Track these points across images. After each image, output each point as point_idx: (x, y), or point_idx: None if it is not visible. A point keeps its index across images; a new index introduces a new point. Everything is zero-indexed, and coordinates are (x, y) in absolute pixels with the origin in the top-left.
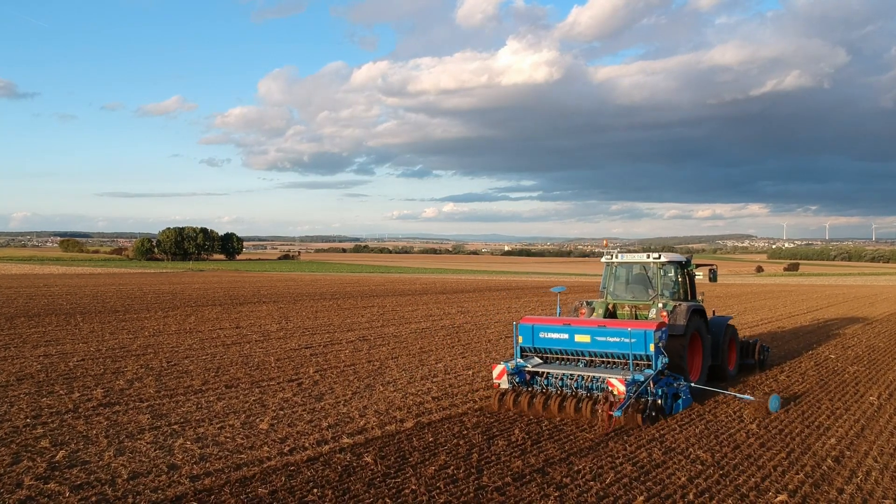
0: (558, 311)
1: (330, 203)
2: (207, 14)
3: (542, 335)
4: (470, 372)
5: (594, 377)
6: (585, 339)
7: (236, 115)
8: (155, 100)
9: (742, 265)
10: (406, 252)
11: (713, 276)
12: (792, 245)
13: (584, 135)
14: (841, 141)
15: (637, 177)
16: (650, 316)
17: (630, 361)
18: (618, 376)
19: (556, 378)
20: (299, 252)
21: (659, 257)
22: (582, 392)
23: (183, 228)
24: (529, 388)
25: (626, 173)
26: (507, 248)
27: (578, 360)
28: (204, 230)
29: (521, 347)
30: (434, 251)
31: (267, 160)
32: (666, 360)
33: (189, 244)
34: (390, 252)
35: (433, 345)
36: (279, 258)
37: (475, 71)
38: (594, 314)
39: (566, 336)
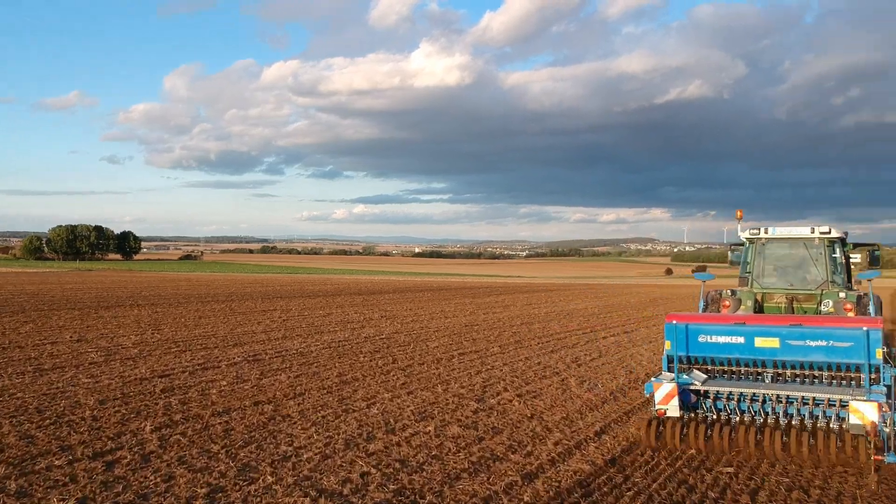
0: (701, 307)
1: (237, 203)
2: (111, 7)
3: (701, 339)
4: (438, 438)
5: (805, 399)
6: (772, 343)
7: (140, 112)
8: (53, 94)
9: (651, 267)
10: (315, 253)
11: (875, 259)
12: (693, 248)
13: (494, 139)
14: (739, 150)
15: (545, 181)
16: (822, 310)
17: (866, 375)
18: (864, 398)
19: (740, 400)
20: (202, 252)
21: (829, 231)
22: (777, 419)
23: (76, 226)
24: (692, 415)
25: (535, 177)
26: (417, 250)
27: (759, 374)
28: (98, 228)
29: (667, 356)
30: (345, 252)
31: (171, 158)
32: (895, 371)
33: (81, 243)
34: (299, 253)
35: (357, 369)
36: (180, 258)
37: (388, 72)
38: (741, 309)
39: (741, 340)
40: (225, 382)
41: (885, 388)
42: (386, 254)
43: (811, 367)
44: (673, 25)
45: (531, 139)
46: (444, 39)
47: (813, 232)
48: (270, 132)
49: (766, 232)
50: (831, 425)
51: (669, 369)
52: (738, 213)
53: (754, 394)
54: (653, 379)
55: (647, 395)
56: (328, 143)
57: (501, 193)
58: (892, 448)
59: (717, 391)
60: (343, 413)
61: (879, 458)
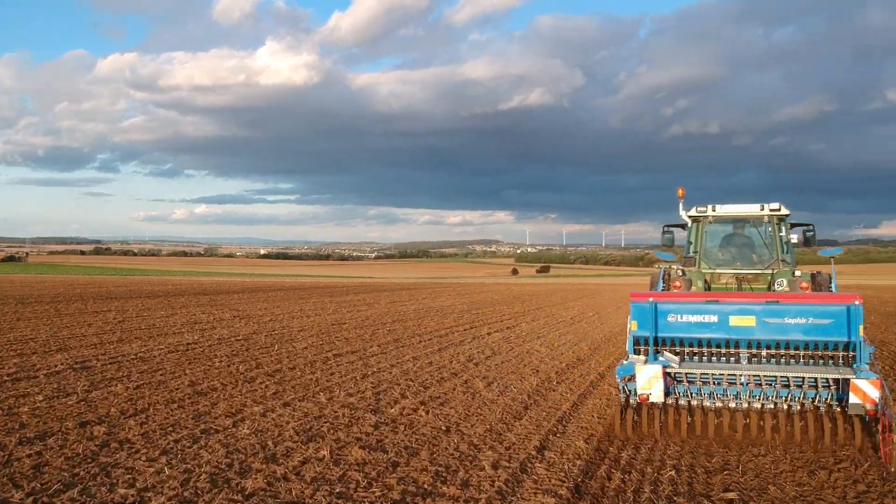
0: (660, 287)
1: (67, 202)
2: None
3: (671, 319)
4: (337, 466)
5: (787, 379)
6: (748, 321)
7: None
8: None
9: (498, 267)
10: (154, 255)
11: (809, 239)
12: (535, 249)
13: (342, 139)
14: (577, 156)
15: (394, 183)
16: (777, 290)
17: (859, 353)
18: (866, 378)
19: (720, 383)
20: (27, 254)
21: (779, 208)
22: (755, 404)
23: None
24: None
25: (384, 179)
26: (263, 252)
27: (733, 355)
28: None
29: (634, 338)
30: (185, 254)
31: None
32: (872, 349)
33: None
34: (136, 255)
35: (214, 377)
36: (2, 260)
37: (232, 69)
38: (693, 290)
39: (714, 318)
40: (41, 397)
41: (867, 367)
42: (230, 255)
43: (787, 346)
44: (516, 34)
45: (379, 140)
46: (291, 38)
47: (762, 209)
48: (105, 127)
49: (713, 210)
50: (818, 405)
51: (637, 352)
52: (680, 192)
53: (736, 375)
54: (624, 361)
55: (621, 379)
56: (168, 140)
57: (350, 194)
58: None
59: (703, 373)
60: (202, 435)
61: (892, 436)
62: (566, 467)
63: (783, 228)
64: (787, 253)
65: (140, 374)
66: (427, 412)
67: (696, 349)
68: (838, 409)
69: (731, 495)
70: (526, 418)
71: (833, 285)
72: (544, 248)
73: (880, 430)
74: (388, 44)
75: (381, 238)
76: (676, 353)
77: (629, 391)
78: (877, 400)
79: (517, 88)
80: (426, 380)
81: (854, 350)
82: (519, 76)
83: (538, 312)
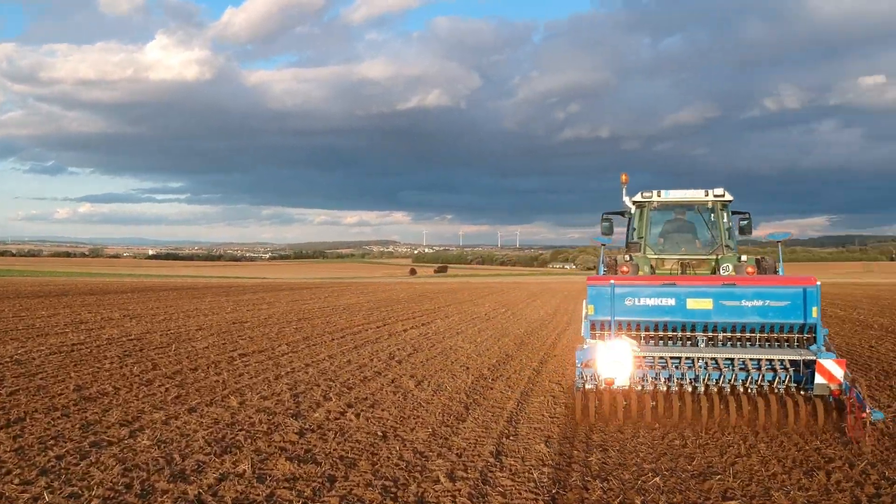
0: (601, 272)
1: None
2: None
3: (629, 302)
4: (264, 484)
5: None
6: (705, 304)
7: None
8: None
9: (396, 268)
10: (34, 255)
11: (745, 227)
12: (432, 250)
13: (235, 137)
14: (473, 157)
15: (288, 182)
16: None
17: (819, 334)
18: (830, 358)
19: (680, 367)
20: None
21: (723, 194)
22: (718, 385)
23: None
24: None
25: (278, 178)
26: (151, 252)
27: (690, 338)
28: None
29: (591, 322)
30: (68, 254)
31: None
32: (826, 332)
33: None
34: (14, 255)
35: (105, 380)
36: None
37: (119, 63)
38: (640, 275)
39: (672, 302)
40: None
41: (824, 348)
42: (116, 256)
43: (744, 329)
44: (413, 35)
45: (274, 139)
46: (182, 32)
47: (707, 195)
48: None
49: (658, 195)
50: (778, 387)
51: (594, 336)
52: (623, 177)
53: (697, 359)
54: (584, 345)
55: (581, 363)
56: (49, 135)
57: (243, 194)
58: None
59: (662, 357)
60: (92, 449)
61: (863, 415)
62: (534, 476)
63: (726, 214)
64: (730, 238)
65: (15, 378)
66: (357, 416)
67: (652, 333)
68: (796, 391)
69: None
70: (470, 420)
71: (780, 270)
72: (441, 248)
73: (848, 409)
74: (284, 41)
75: (275, 238)
76: (633, 338)
77: (587, 377)
78: (841, 380)
79: (414, 89)
80: (348, 380)
81: (811, 332)
82: (416, 77)
83: (449, 309)
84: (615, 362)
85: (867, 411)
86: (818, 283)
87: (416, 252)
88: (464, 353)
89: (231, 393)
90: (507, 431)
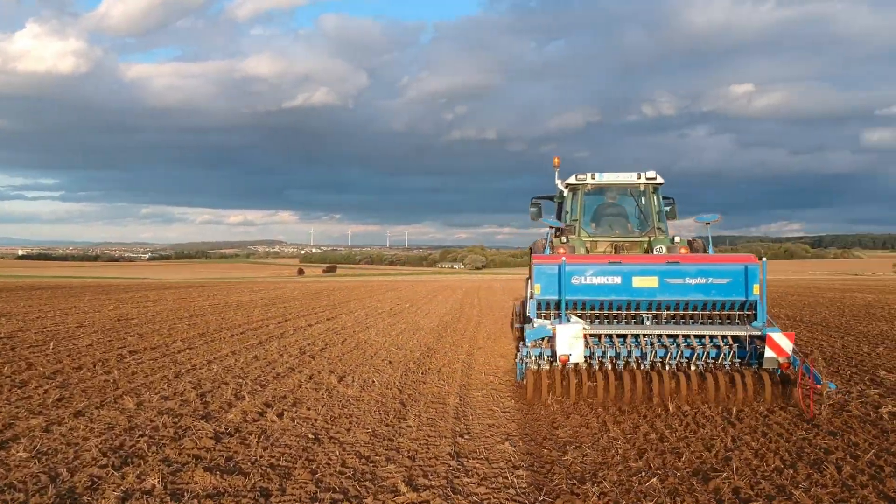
0: (547, 253)
1: None
2: None
3: (575, 281)
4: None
5: (697, 339)
6: (650, 282)
7: None
8: None
9: (282, 268)
10: None
11: (668, 213)
12: (319, 250)
13: (113, 133)
14: (362, 156)
15: (169, 180)
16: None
17: (762, 309)
18: (776, 332)
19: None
20: None
21: (655, 177)
22: (664, 361)
23: None
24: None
25: (159, 177)
26: (21, 252)
27: (635, 316)
28: None
29: (538, 301)
30: None
31: None
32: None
33: None
34: None
35: None
36: None
37: None
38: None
39: (618, 280)
40: None
41: (765, 324)
42: None
43: (686, 306)
44: (301, 32)
45: (155, 136)
46: (56, 21)
47: (640, 177)
48: None
49: (592, 178)
50: (723, 363)
51: (541, 316)
52: (556, 160)
53: (644, 336)
54: (535, 324)
55: (532, 342)
56: None
57: (121, 192)
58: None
59: (613, 335)
60: None
61: (818, 387)
62: (511, 481)
63: (657, 197)
64: (661, 221)
65: None
66: (279, 416)
67: (597, 312)
68: (740, 367)
69: None
70: (413, 418)
71: (710, 251)
72: (329, 248)
73: (799, 382)
74: (165, 34)
75: (155, 238)
76: (580, 317)
77: (535, 356)
78: (790, 353)
79: (302, 87)
80: (259, 376)
81: (752, 309)
82: (303, 74)
83: (350, 305)
84: (570, 339)
85: (822, 383)
86: (757, 261)
87: (303, 252)
88: (381, 347)
89: (125, 393)
90: (458, 429)
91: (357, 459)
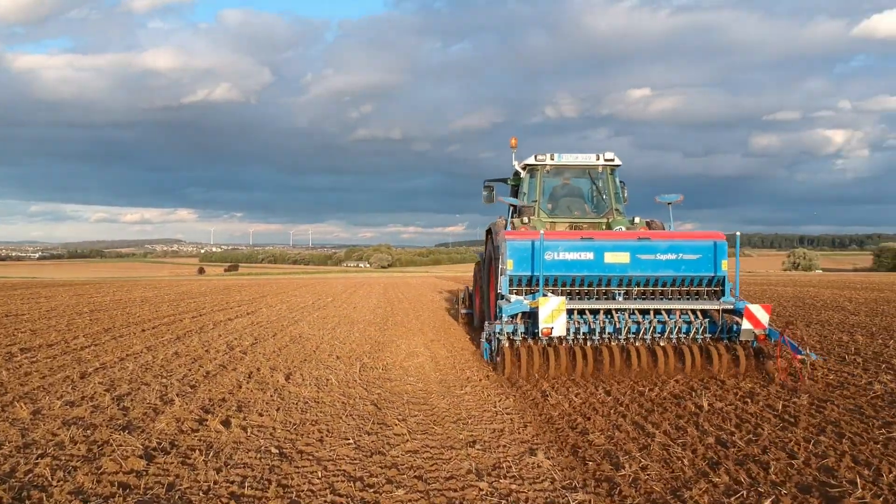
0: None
1: None
2: None
3: (548, 257)
4: None
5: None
6: (622, 258)
7: None
8: None
9: (182, 267)
10: None
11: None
12: (220, 249)
13: (0, 126)
14: (264, 154)
15: (61, 177)
16: None
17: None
18: (753, 305)
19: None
20: None
21: (613, 159)
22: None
23: None
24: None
25: (49, 173)
26: None
27: (606, 293)
28: None
29: (510, 277)
30: None
31: None
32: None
33: None
34: None
35: None
36: None
37: None
38: None
39: (590, 256)
40: None
41: (737, 299)
42: None
43: (656, 282)
44: (201, 26)
45: (45, 130)
46: None
47: (598, 159)
48: None
49: (551, 159)
50: (696, 337)
51: (514, 292)
52: (513, 141)
53: (615, 312)
54: (512, 299)
55: (508, 318)
56: None
57: (8, 188)
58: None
59: (587, 310)
60: None
61: (798, 357)
62: (541, 487)
63: (615, 178)
64: (619, 202)
65: None
66: (225, 424)
67: (569, 288)
68: (711, 341)
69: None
70: (396, 423)
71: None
72: (230, 247)
73: (778, 354)
74: (57, 25)
75: (46, 237)
76: (553, 293)
77: (508, 332)
78: (766, 325)
79: (202, 82)
80: (186, 375)
81: (719, 285)
82: (204, 70)
83: (267, 300)
84: (552, 312)
85: (803, 354)
86: (725, 237)
87: (202, 251)
88: (321, 341)
89: (17, 399)
90: (463, 438)
91: (349, 483)
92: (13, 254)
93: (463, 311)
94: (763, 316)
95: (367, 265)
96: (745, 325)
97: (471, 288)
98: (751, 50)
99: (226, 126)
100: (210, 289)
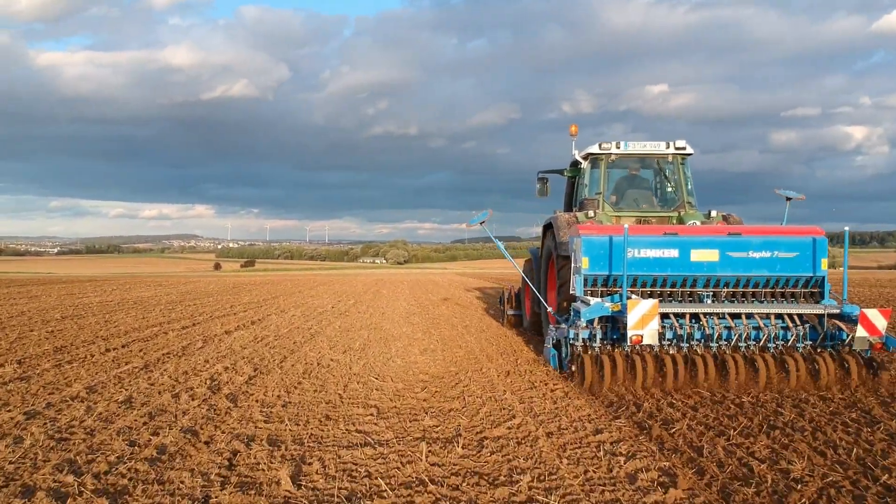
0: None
1: None
2: None
3: (630, 254)
4: None
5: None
6: (710, 255)
7: None
8: None
9: (198, 263)
10: None
11: None
12: (237, 245)
13: (20, 123)
14: (281, 150)
15: (81, 173)
16: None
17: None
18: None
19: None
20: None
21: (684, 147)
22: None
23: None
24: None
25: (69, 169)
26: None
27: (691, 295)
28: None
29: (584, 277)
30: None
31: None
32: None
33: None
34: None
35: None
36: None
37: None
38: None
39: (675, 253)
40: None
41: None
42: None
43: (748, 283)
44: (220, 22)
45: (65, 127)
46: None
47: (668, 147)
48: None
49: (617, 147)
50: (796, 346)
51: (590, 294)
52: (573, 129)
53: (709, 316)
54: (591, 301)
55: (588, 323)
56: None
57: (28, 184)
58: None
59: (672, 315)
60: None
61: None
62: None
63: (687, 169)
64: (691, 195)
65: None
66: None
67: (649, 289)
68: (812, 349)
69: None
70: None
71: None
72: (247, 243)
73: None
74: (77, 21)
75: (65, 233)
76: (635, 294)
77: (584, 338)
78: (883, 332)
79: (220, 78)
80: (118, 460)
81: (817, 286)
82: (223, 66)
83: (279, 302)
84: (643, 317)
85: None
86: (824, 234)
87: (219, 247)
88: (349, 373)
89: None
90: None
91: None
92: (32, 249)
93: (510, 312)
94: (881, 322)
95: (384, 261)
96: (860, 331)
97: (516, 287)
98: (768, 46)
99: (243, 122)
100: (218, 288)
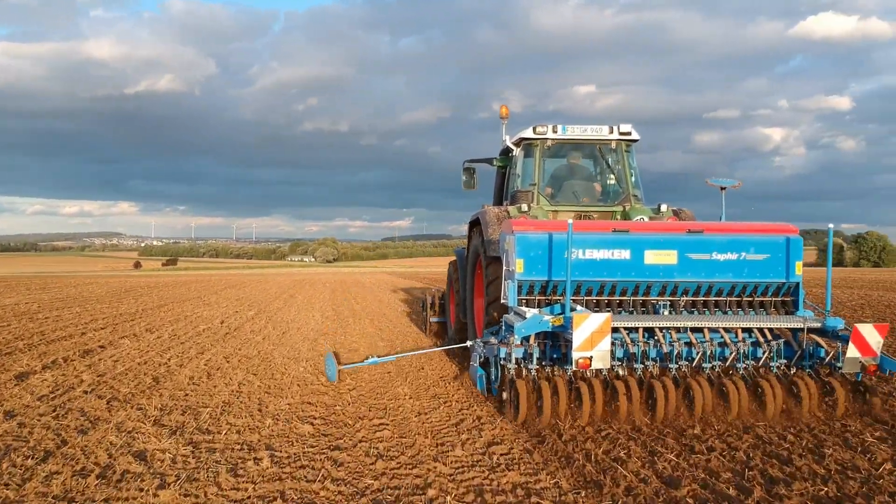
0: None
1: None
2: None
3: (573, 256)
4: None
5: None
6: (667, 258)
7: None
8: None
9: (118, 262)
10: None
11: None
12: (161, 243)
13: None
14: (209, 146)
15: None
16: None
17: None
18: (866, 325)
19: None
20: None
21: (630, 132)
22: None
23: None
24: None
25: None
26: None
27: (644, 303)
28: None
29: (518, 283)
30: None
31: None
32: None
33: None
34: None
35: None
36: None
37: None
38: None
39: (626, 254)
40: None
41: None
42: None
43: (709, 291)
44: (145, 16)
45: None
46: None
47: (612, 132)
48: None
49: (553, 131)
50: (770, 365)
51: (525, 303)
52: (503, 109)
53: (661, 330)
54: (527, 313)
55: (521, 340)
56: None
57: None
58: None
59: (622, 329)
60: None
61: None
62: None
63: (632, 157)
64: (637, 187)
65: None
66: None
67: (595, 297)
68: (787, 369)
69: None
70: None
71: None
72: (171, 241)
73: None
74: None
75: None
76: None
77: (517, 358)
78: (878, 352)
79: (146, 72)
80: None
81: (790, 294)
82: (148, 60)
83: (159, 314)
84: (592, 335)
85: None
86: (798, 233)
87: (143, 245)
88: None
89: None
90: None
91: None
92: None
93: (433, 319)
94: (875, 339)
95: (313, 259)
96: (852, 351)
97: (442, 291)
98: (692, 49)
99: (169, 117)
100: (107, 291)
